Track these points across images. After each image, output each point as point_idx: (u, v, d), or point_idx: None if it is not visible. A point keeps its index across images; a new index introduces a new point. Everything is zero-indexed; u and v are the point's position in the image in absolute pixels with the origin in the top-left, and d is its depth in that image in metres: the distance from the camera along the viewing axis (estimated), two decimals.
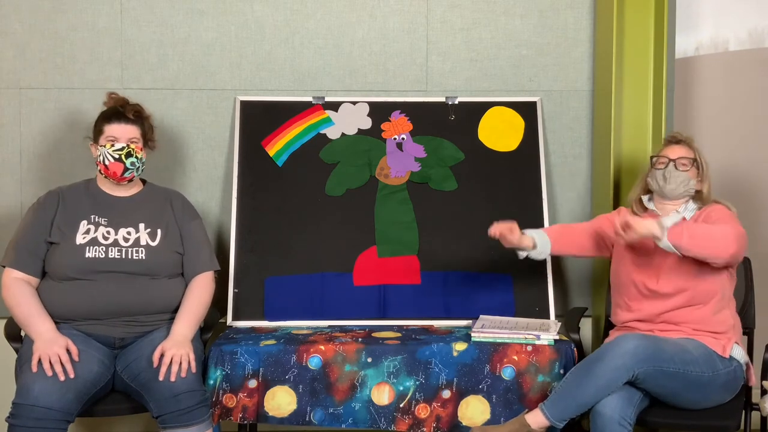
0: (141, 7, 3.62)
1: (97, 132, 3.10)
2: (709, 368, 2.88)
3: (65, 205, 3.09)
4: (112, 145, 3.05)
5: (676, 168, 3.06)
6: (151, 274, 3.04)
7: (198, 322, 3.06)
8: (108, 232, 3.05)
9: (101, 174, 3.11)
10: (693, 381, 2.85)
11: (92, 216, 3.08)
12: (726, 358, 2.93)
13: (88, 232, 3.04)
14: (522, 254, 3.21)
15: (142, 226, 3.09)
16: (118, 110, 3.12)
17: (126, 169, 3.07)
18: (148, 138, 3.17)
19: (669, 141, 3.17)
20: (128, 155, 3.06)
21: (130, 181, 3.13)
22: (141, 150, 3.11)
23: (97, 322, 2.98)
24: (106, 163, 3.06)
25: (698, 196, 3.10)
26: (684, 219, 3.03)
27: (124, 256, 3.02)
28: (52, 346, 2.82)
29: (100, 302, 2.97)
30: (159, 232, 3.10)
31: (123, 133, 3.08)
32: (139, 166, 3.10)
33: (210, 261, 3.18)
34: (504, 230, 3.11)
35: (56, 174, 3.55)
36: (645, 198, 3.17)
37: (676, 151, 3.10)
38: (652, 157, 3.16)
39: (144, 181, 3.25)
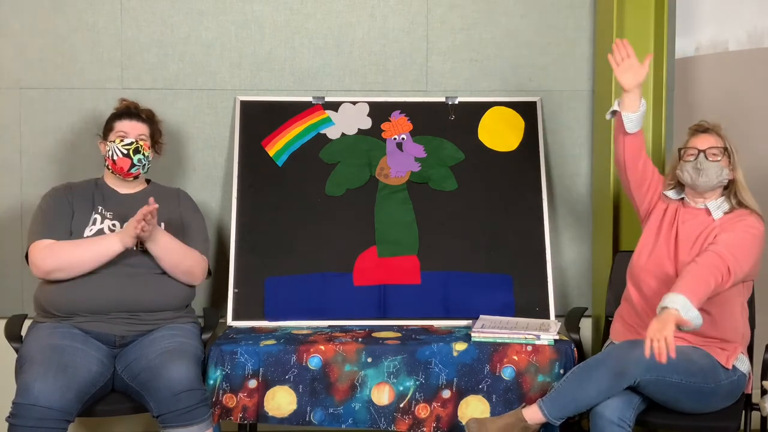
0: (141, 7, 3.62)
1: (108, 129, 3.17)
2: (712, 379, 2.86)
3: (76, 197, 3.13)
4: (122, 140, 3.11)
5: (707, 158, 2.98)
6: (152, 268, 3.06)
7: (171, 246, 3.07)
8: (114, 225, 3.10)
9: (108, 170, 3.15)
10: (695, 391, 2.84)
11: (99, 207, 3.13)
12: (729, 369, 2.92)
13: (94, 223, 3.08)
14: (614, 109, 3.04)
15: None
16: (131, 109, 3.20)
17: (133, 165, 3.11)
18: (156, 140, 3.23)
19: (695, 130, 3.08)
20: (136, 151, 3.11)
21: (136, 177, 3.16)
22: (149, 148, 3.16)
23: (99, 317, 2.99)
24: (115, 158, 3.10)
25: (732, 187, 3.03)
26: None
27: (131, 248, 3.04)
28: (129, 227, 2.97)
29: (102, 296, 2.98)
30: (162, 225, 3.12)
31: (133, 129, 3.14)
32: (145, 164, 3.15)
33: (203, 248, 3.19)
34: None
35: (56, 174, 3.55)
36: (670, 192, 3.11)
37: (704, 141, 3.02)
38: (680, 149, 3.08)
39: (148, 181, 3.28)
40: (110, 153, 3.12)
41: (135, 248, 3.05)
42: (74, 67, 3.61)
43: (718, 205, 3.04)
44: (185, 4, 3.63)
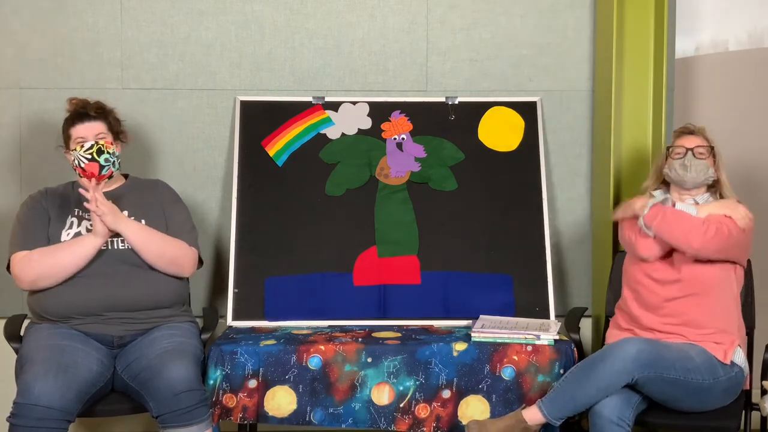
0: (141, 7, 3.61)
1: (66, 138, 3.13)
2: (710, 375, 2.87)
3: (52, 203, 3.12)
4: (82, 146, 3.05)
5: (694, 156, 3.07)
6: (137, 264, 3.04)
7: (149, 236, 3.05)
8: (92, 225, 3.04)
9: (81, 177, 3.11)
10: (693, 388, 2.84)
11: (76, 209, 3.12)
12: (727, 365, 2.93)
13: (71, 226, 3.07)
14: None
15: (125, 214, 3.09)
16: (80, 111, 3.12)
17: (102, 167, 3.05)
18: (117, 131, 3.17)
19: (681, 132, 3.17)
20: (99, 152, 3.05)
21: (110, 177, 3.12)
22: (111, 144, 3.09)
23: (94, 318, 2.99)
24: (82, 165, 3.05)
25: (716, 186, 3.11)
26: (676, 203, 3.06)
27: (109, 247, 3.04)
28: (95, 225, 2.97)
29: (93, 297, 2.98)
30: (143, 221, 3.11)
31: (89, 131, 3.08)
32: (113, 161, 3.09)
33: (189, 237, 3.16)
34: None
35: (56, 174, 3.53)
36: (657, 193, 3.16)
37: (691, 141, 3.11)
38: (668, 148, 3.16)
39: (126, 176, 3.26)
40: (76, 161, 3.06)
41: (118, 246, 3.05)
42: (74, 67, 3.61)
43: (705, 199, 3.11)
44: (185, 4, 3.63)
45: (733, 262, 3.04)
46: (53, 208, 3.11)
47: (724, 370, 2.91)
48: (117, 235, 3.04)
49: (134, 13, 3.61)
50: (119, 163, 3.13)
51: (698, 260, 2.99)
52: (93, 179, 3.01)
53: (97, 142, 3.06)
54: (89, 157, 3.04)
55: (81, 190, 2.99)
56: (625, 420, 2.78)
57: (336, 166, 3.59)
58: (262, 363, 3.05)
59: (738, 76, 3.83)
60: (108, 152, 3.07)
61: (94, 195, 2.96)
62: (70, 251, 2.99)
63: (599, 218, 3.61)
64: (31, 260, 2.98)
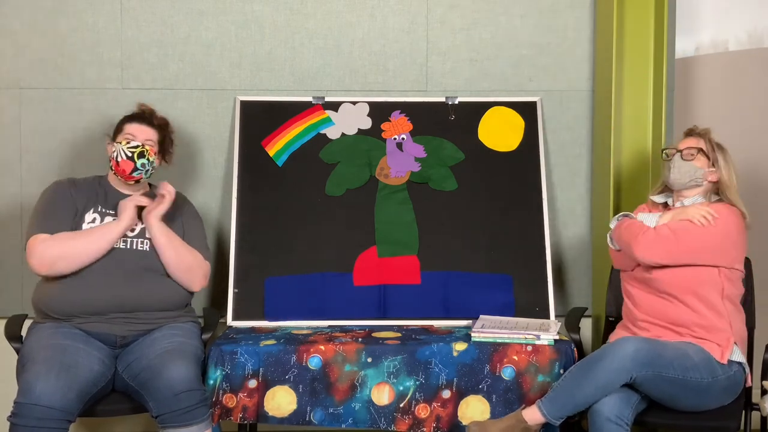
0: (141, 7, 3.62)
1: (117, 131, 3.17)
2: (708, 374, 2.87)
3: (79, 194, 3.13)
4: (128, 143, 3.09)
5: (682, 158, 3.08)
6: (153, 269, 3.05)
7: (171, 237, 3.10)
8: (118, 215, 3.07)
9: (112, 171, 3.14)
10: (692, 387, 2.84)
11: (99, 206, 3.12)
12: (725, 364, 2.93)
13: (93, 221, 3.07)
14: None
15: None
16: (143, 114, 3.19)
17: (135, 169, 3.09)
18: (166, 147, 3.23)
19: (685, 134, 3.20)
20: (141, 155, 3.09)
21: (138, 182, 3.15)
22: (155, 154, 3.15)
23: (98, 318, 2.99)
24: (119, 159, 3.09)
25: (715, 188, 3.10)
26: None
27: (129, 247, 3.05)
28: (127, 210, 3.04)
29: (99, 296, 2.98)
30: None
31: (141, 132, 3.13)
32: (148, 169, 3.13)
33: (205, 253, 3.19)
34: None
35: (56, 174, 3.54)
36: (656, 197, 3.19)
37: (685, 143, 3.13)
38: (662, 150, 3.19)
39: (151, 185, 3.28)
40: (115, 154, 3.10)
41: (137, 246, 3.05)
42: (74, 67, 3.61)
43: (692, 201, 3.11)
44: (185, 4, 3.63)
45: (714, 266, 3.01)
46: (79, 199, 3.12)
47: (722, 369, 2.91)
48: (140, 236, 3.07)
49: (134, 13, 3.62)
50: (152, 173, 3.17)
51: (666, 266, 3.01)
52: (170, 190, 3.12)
53: (143, 145, 3.10)
54: (129, 154, 3.08)
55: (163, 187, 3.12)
56: (624, 419, 2.78)
57: (336, 166, 3.59)
58: (262, 363, 3.05)
59: (738, 76, 3.83)
60: (147, 159, 3.11)
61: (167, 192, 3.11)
62: (94, 233, 3.00)
63: (599, 218, 3.61)
64: (55, 240, 2.98)
